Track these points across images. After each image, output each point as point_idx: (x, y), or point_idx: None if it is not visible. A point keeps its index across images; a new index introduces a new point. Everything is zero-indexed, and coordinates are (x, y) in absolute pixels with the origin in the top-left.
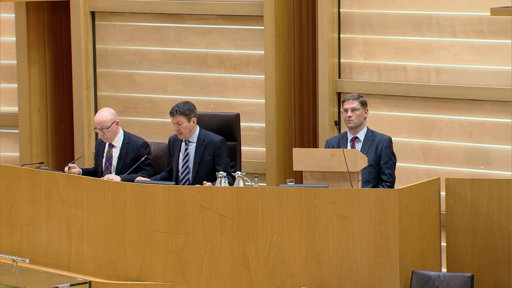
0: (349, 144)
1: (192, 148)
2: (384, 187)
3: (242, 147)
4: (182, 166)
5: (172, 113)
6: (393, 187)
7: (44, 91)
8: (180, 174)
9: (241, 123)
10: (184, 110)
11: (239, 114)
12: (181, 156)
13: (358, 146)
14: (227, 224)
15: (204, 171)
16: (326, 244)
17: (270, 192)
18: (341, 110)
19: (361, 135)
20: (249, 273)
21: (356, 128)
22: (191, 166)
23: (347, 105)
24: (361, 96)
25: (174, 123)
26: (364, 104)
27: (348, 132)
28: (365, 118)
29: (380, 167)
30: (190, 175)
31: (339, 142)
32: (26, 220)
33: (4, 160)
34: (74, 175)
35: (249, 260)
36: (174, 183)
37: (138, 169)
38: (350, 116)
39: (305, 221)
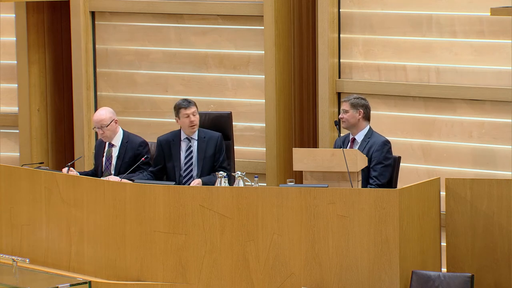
0: (348, 145)
1: (194, 145)
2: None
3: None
4: (185, 164)
5: (186, 106)
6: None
7: (44, 91)
8: (182, 172)
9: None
10: (194, 103)
11: (231, 112)
12: (183, 154)
13: (356, 148)
14: (227, 224)
15: (208, 167)
16: (326, 244)
17: (270, 192)
18: None
19: (360, 136)
20: (249, 273)
21: (351, 129)
22: (195, 162)
23: (341, 106)
24: (358, 98)
25: (188, 115)
26: (355, 106)
27: (350, 132)
28: (359, 119)
29: (370, 168)
30: (195, 172)
31: (342, 143)
32: (26, 220)
33: (4, 160)
34: (74, 175)
35: (249, 260)
36: (174, 183)
37: (137, 168)
38: (342, 117)
39: (305, 221)
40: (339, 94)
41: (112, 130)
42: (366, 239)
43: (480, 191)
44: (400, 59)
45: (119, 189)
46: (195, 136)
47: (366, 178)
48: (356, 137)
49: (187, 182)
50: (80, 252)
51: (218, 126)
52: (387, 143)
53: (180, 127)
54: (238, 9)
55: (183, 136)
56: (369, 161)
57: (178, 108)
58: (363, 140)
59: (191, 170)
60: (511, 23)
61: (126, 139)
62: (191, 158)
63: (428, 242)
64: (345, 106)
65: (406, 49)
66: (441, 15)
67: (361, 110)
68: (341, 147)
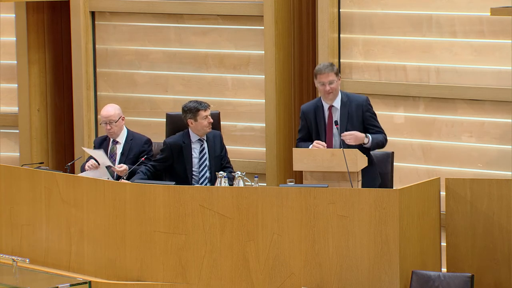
0: (326, 113)
1: (205, 145)
2: (381, 134)
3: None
4: (200, 165)
5: (205, 107)
6: (387, 138)
7: (44, 91)
8: (196, 173)
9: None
10: None
11: (219, 112)
12: (196, 155)
13: (336, 114)
14: (227, 224)
15: (217, 166)
16: (326, 244)
17: (270, 192)
18: (316, 83)
19: (337, 102)
20: (249, 273)
21: (334, 98)
22: (208, 162)
23: (324, 78)
24: (333, 65)
25: (207, 116)
26: (338, 73)
27: (323, 101)
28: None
29: (370, 126)
30: (208, 172)
31: (315, 112)
32: (26, 220)
33: (4, 160)
34: (74, 175)
35: (249, 260)
36: (174, 183)
37: (138, 168)
38: (329, 90)
39: (305, 221)
40: None
41: (120, 127)
42: (366, 239)
43: (480, 191)
44: (400, 59)
45: (119, 189)
46: (205, 136)
47: (364, 130)
48: (334, 104)
49: (203, 183)
50: (80, 252)
51: None
52: (368, 99)
53: (189, 129)
54: (238, 9)
55: (194, 137)
56: (362, 122)
57: (196, 110)
58: (342, 105)
59: (206, 171)
60: (511, 23)
61: (131, 137)
62: (205, 159)
63: (428, 242)
64: (331, 77)
65: (406, 49)
66: (441, 15)
67: (340, 75)
68: (310, 118)
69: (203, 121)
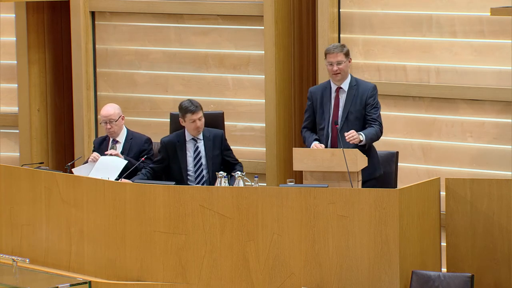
0: (333, 95)
1: (201, 145)
2: (374, 127)
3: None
4: (195, 165)
5: (193, 110)
6: (382, 128)
7: (44, 91)
8: (192, 173)
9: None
10: (200, 105)
11: (223, 112)
12: (190, 154)
13: (343, 96)
14: (227, 224)
15: (216, 165)
16: (326, 244)
17: (270, 192)
18: (325, 62)
19: (345, 84)
20: (249, 273)
21: (342, 80)
22: (205, 162)
23: (332, 58)
24: (344, 46)
25: (194, 120)
26: (348, 54)
27: (331, 82)
28: (349, 67)
29: (367, 113)
30: (205, 171)
31: (323, 92)
32: (26, 220)
33: (4, 160)
34: (74, 175)
35: (249, 260)
36: (174, 183)
37: (137, 169)
38: (337, 71)
39: (305, 221)
40: None
41: (119, 126)
42: (366, 239)
43: (480, 191)
44: (400, 59)
45: (119, 189)
46: (200, 136)
47: (363, 124)
48: (342, 85)
49: (199, 183)
50: (80, 252)
51: (211, 125)
52: (375, 88)
53: (185, 128)
54: (238, 9)
55: (188, 137)
56: (364, 107)
57: (185, 112)
58: (350, 87)
59: (202, 171)
60: (511, 23)
61: (130, 136)
62: (200, 159)
63: (428, 242)
64: (339, 57)
65: (406, 49)
66: (441, 15)
67: (350, 57)
68: (317, 99)
69: (191, 124)
